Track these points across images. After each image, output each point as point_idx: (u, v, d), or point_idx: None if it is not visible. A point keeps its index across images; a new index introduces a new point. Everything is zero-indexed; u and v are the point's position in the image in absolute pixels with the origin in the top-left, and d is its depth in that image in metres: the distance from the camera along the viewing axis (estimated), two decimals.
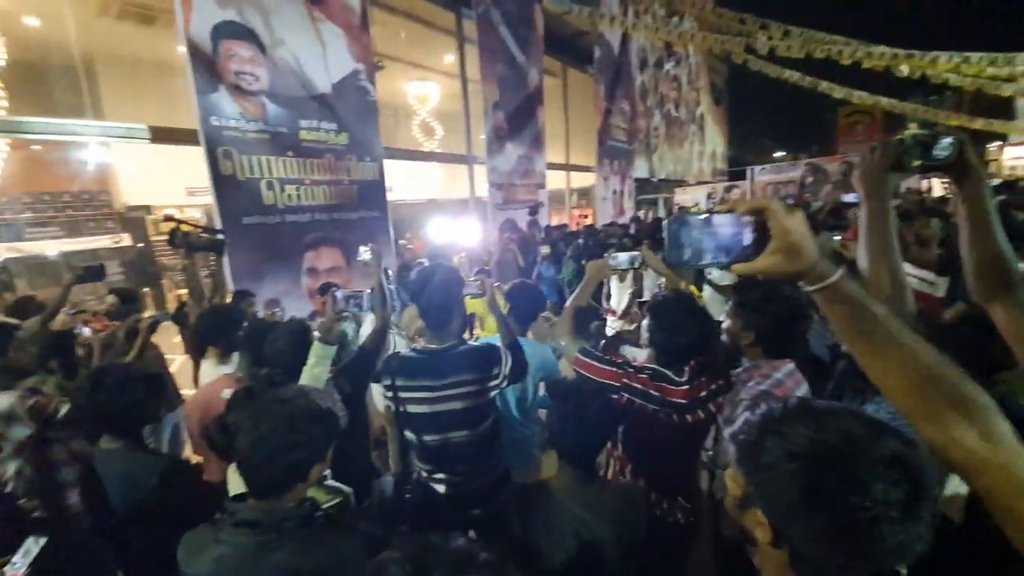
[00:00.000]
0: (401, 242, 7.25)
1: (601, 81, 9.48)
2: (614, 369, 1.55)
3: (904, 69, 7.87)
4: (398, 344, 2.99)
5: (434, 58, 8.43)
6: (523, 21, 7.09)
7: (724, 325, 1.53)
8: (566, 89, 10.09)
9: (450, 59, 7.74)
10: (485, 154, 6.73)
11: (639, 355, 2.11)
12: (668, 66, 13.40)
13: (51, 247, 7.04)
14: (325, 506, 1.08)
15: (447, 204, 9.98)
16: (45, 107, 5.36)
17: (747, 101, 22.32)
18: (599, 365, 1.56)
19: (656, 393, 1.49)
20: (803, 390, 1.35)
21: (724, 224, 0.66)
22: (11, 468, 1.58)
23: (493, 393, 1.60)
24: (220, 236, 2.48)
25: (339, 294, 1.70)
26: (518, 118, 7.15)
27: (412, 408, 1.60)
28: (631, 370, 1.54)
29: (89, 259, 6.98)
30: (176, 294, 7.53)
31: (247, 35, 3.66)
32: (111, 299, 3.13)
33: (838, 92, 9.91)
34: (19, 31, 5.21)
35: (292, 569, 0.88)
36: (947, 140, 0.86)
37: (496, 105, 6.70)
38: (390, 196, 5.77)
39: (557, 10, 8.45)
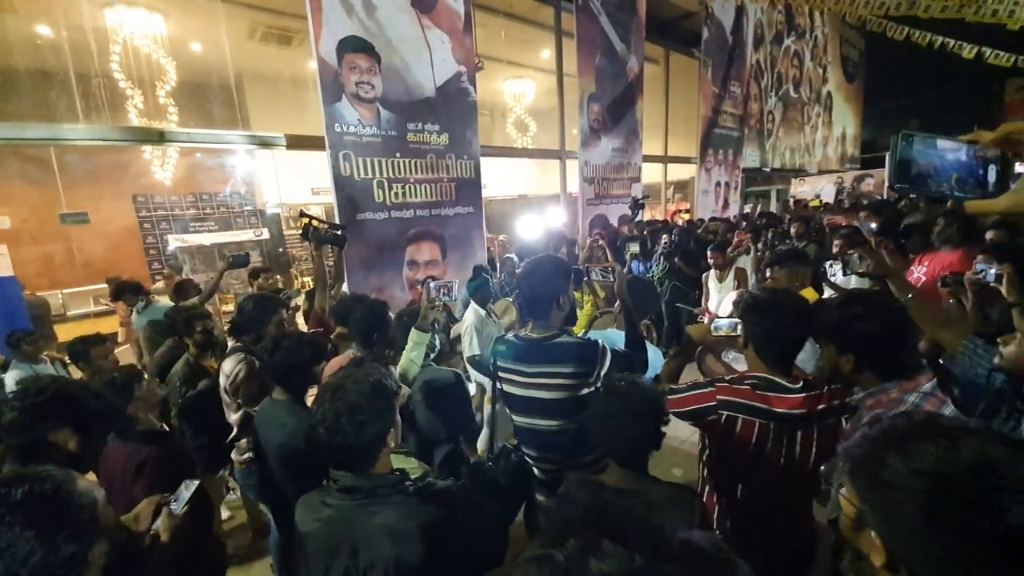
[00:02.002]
0: (501, 237, 7.46)
1: (708, 65, 8.79)
2: (703, 390, 1.40)
3: None
4: (493, 331, 3.12)
5: (531, 55, 8.49)
6: (624, 8, 6.83)
7: (820, 356, 1.35)
8: (668, 76, 9.54)
9: (546, 55, 7.74)
10: (578, 148, 6.64)
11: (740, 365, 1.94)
12: (788, 41, 11.98)
13: (208, 238, 8.44)
14: (414, 476, 1.16)
15: (539, 200, 10.04)
16: (205, 120, 6.39)
17: (889, 75, 19.06)
18: (685, 395, 1.42)
19: (763, 405, 1.31)
20: (951, 407, 1.13)
21: (961, 154, 0.59)
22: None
23: (585, 391, 1.54)
24: (342, 232, 2.78)
25: (432, 284, 1.84)
26: (615, 110, 6.93)
27: (508, 388, 1.67)
28: (726, 383, 1.38)
29: (236, 249, 8.25)
30: (302, 280, 8.60)
31: (366, 47, 4.00)
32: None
33: (1005, 60, 8.11)
34: (185, 55, 6.26)
35: (390, 529, 0.99)
36: None
37: (592, 97, 6.57)
38: (484, 192, 5.97)
39: None
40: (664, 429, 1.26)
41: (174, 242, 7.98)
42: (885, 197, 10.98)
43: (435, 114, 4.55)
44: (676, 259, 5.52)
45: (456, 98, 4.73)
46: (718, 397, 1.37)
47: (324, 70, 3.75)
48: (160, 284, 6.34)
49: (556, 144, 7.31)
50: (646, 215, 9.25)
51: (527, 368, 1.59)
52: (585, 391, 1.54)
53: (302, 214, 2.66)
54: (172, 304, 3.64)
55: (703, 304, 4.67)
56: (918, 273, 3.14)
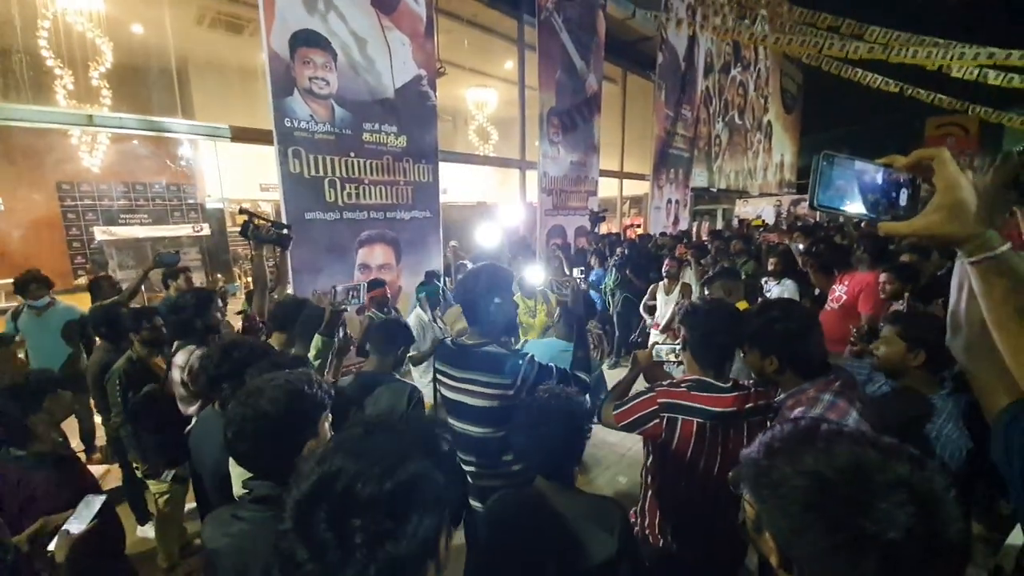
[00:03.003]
0: (452, 243, 7.40)
1: (663, 88, 9.23)
2: (645, 396, 1.48)
3: (991, 74, 7.11)
4: (434, 336, 3.14)
5: (494, 64, 8.58)
6: (585, 27, 7.05)
7: (745, 361, 1.45)
8: (625, 95, 9.92)
9: (509, 65, 7.84)
10: (538, 159, 6.75)
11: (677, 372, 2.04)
12: (735, 71, 12.83)
13: (140, 232, 7.83)
14: None
15: (497, 208, 10.09)
16: (142, 106, 5.97)
17: (822, 108, 20.85)
18: (629, 405, 1.50)
19: (699, 405, 1.42)
20: (854, 413, 1.24)
21: (877, 176, 0.61)
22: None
23: (504, 403, 1.53)
24: (286, 231, 2.66)
25: (339, 287, 1.80)
26: (573, 124, 7.11)
27: (442, 390, 1.68)
28: (665, 387, 1.49)
29: (172, 245, 7.71)
30: (245, 281, 8.14)
31: (322, 43, 3.89)
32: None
33: (925, 96, 9.09)
34: (124, 36, 5.83)
35: None
36: None
37: (552, 111, 6.71)
38: (443, 198, 5.92)
39: (621, 15, 8.35)
40: (612, 439, 1.29)
41: (101, 235, 7.34)
42: (817, 220, 11.93)
43: (393, 115, 4.48)
44: (627, 271, 5.72)
45: (416, 101, 4.68)
46: (659, 400, 1.46)
47: (275, 62, 3.61)
48: (83, 280, 5.81)
49: (517, 153, 7.40)
50: (603, 228, 9.53)
51: (456, 373, 1.60)
52: (507, 402, 1.54)
53: (242, 210, 2.53)
54: (90, 304, 3.36)
55: (648, 316, 4.85)
56: (839, 292, 3.42)
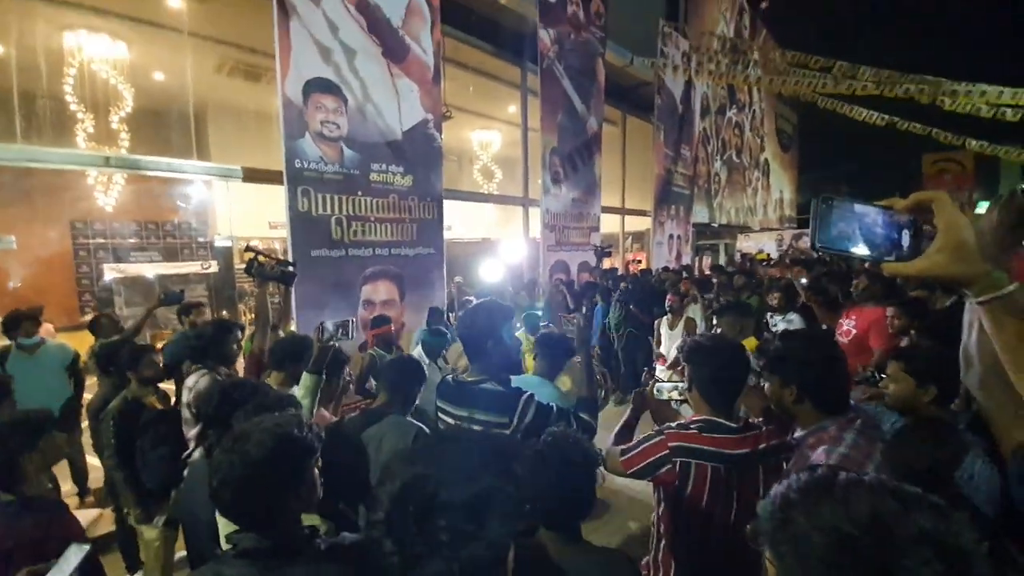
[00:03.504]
0: (457, 279, 7.45)
1: (661, 128, 9.53)
2: (654, 440, 1.42)
3: (984, 109, 7.30)
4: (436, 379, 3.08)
5: (498, 108, 8.92)
6: (585, 74, 7.37)
7: (766, 390, 1.39)
8: (625, 136, 10.24)
9: (513, 109, 8.15)
10: (541, 197, 6.89)
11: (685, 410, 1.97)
12: (731, 113, 13.28)
13: (149, 269, 7.94)
14: (324, 532, 1.06)
15: (501, 244, 10.22)
16: (159, 147, 6.19)
17: (819, 147, 21.37)
18: (637, 451, 1.43)
19: (712, 448, 1.35)
20: (877, 455, 1.19)
21: (878, 218, 0.62)
22: None
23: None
24: (291, 268, 2.69)
25: (329, 324, 1.77)
26: (574, 163, 7.30)
27: (442, 428, 1.63)
28: (674, 429, 1.42)
29: (179, 282, 7.81)
30: (249, 318, 8.18)
31: (334, 89, 4.08)
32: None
33: (921, 130, 9.30)
34: (145, 82, 6.14)
35: None
36: None
37: (554, 150, 6.91)
38: (447, 235, 6.01)
39: (619, 63, 8.75)
40: (621, 481, 1.21)
41: (109, 272, 7.44)
42: (819, 254, 11.92)
43: (400, 156, 4.62)
44: (631, 306, 5.70)
45: (422, 143, 4.84)
46: (670, 444, 1.39)
47: (288, 107, 3.77)
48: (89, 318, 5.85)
49: (520, 191, 7.56)
50: (606, 263, 9.61)
51: (454, 410, 1.56)
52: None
53: (248, 248, 2.58)
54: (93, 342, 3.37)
55: (656, 349, 4.79)
56: (847, 325, 3.38)
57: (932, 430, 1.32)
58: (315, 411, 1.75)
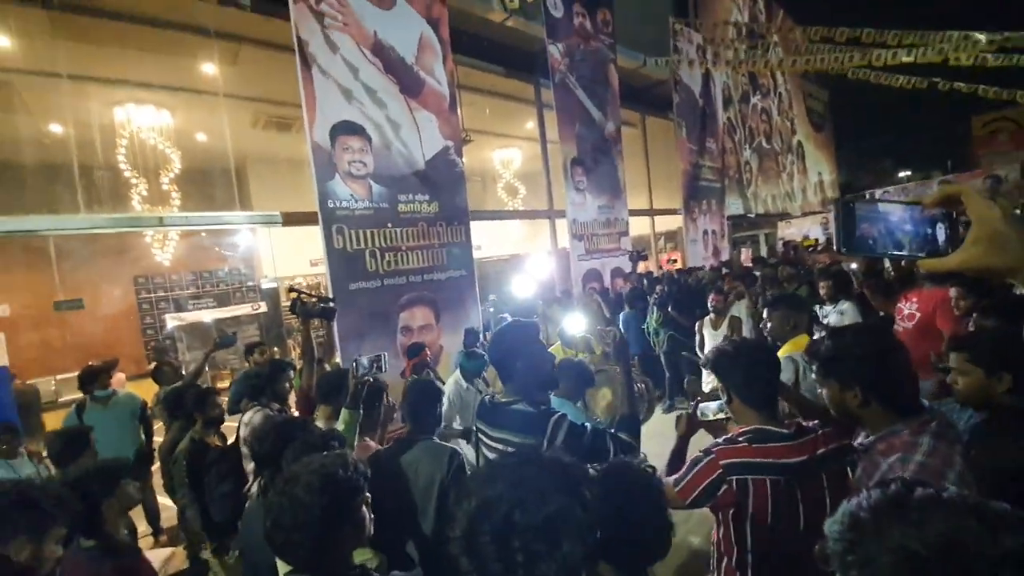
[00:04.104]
0: (491, 297, 7.51)
1: (683, 126, 9.36)
2: (704, 461, 1.32)
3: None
4: (473, 402, 3.08)
5: (516, 126, 9.06)
6: (598, 81, 7.38)
7: (824, 397, 1.27)
8: (646, 137, 10.12)
9: (530, 125, 8.25)
10: (566, 208, 6.88)
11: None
12: (755, 100, 12.86)
13: (206, 315, 8.48)
14: (373, 567, 1.07)
15: (530, 259, 10.26)
16: (206, 202, 6.67)
17: (856, 121, 20.24)
18: (690, 477, 1.33)
19: (765, 459, 1.25)
20: (958, 460, 1.08)
21: (907, 216, 0.61)
22: None
23: None
24: (332, 304, 2.80)
25: (364, 359, 1.81)
26: (597, 171, 7.27)
27: (482, 449, 1.62)
28: (723, 446, 1.32)
29: (232, 324, 8.30)
30: (297, 353, 8.57)
31: (358, 130, 4.28)
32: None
33: (965, 89, 8.66)
34: (189, 144, 6.66)
35: None
36: None
37: (575, 161, 6.91)
38: (477, 254, 6.09)
39: (632, 65, 8.71)
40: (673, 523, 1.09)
41: (171, 321, 8.00)
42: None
43: (425, 185, 4.76)
44: (669, 308, 5.55)
45: (444, 169, 4.98)
46: (721, 463, 1.29)
47: (318, 152, 3.98)
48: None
49: (545, 205, 7.59)
50: (641, 267, 9.43)
51: (490, 431, 1.56)
52: None
53: (291, 289, 2.70)
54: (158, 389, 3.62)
55: (700, 353, 4.62)
56: (909, 309, 3.15)
57: (1014, 423, 1.20)
58: (357, 443, 1.79)
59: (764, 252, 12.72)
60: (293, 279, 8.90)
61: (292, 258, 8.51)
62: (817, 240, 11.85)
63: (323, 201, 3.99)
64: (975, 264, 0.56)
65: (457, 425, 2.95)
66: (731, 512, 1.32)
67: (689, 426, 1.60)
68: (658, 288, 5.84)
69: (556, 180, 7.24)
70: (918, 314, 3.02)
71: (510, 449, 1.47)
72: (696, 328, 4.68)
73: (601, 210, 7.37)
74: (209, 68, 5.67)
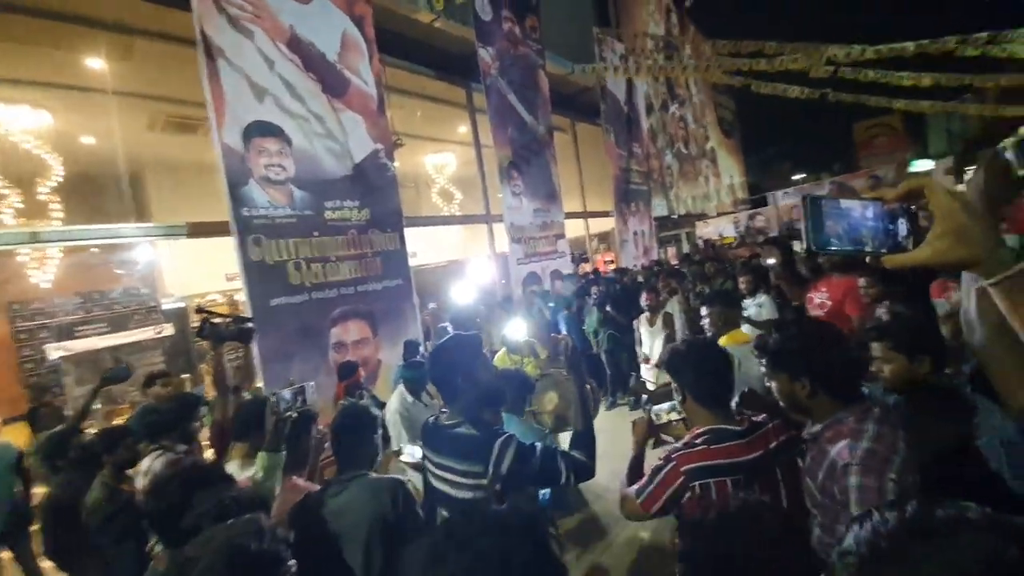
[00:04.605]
0: (431, 305, 7.28)
1: (610, 131, 9.74)
2: (666, 469, 1.30)
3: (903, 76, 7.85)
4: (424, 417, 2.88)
5: (448, 130, 8.91)
6: (529, 86, 7.45)
7: (774, 390, 1.31)
8: (577, 142, 10.41)
9: (463, 129, 8.15)
10: (503, 212, 6.86)
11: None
12: (673, 108, 13.74)
13: (99, 342, 7.41)
14: None
15: (469, 264, 10.14)
16: (95, 215, 5.84)
17: (759, 130, 22.44)
18: (653, 487, 1.31)
19: (724, 460, 1.26)
20: (902, 444, 1.12)
21: (868, 211, 0.60)
22: None
23: (477, 493, 1.29)
24: (249, 325, 2.51)
25: (285, 392, 1.58)
26: (531, 174, 7.32)
27: (429, 479, 1.47)
28: (682, 451, 1.31)
29: (133, 351, 7.33)
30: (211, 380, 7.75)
31: (275, 131, 3.93)
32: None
33: (849, 99, 9.83)
34: (73, 148, 5.81)
35: None
36: None
37: (510, 164, 6.91)
38: (413, 262, 5.86)
39: (560, 72, 8.91)
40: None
41: (55, 352, 6.90)
42: (776, 232, 12.43)
43: (354, 190, 4.49)
44: (607, 308, 5.68)
45: (375, 173, 4.73)
46: (683, 469, 1.28)
47: (229, 155, 3.60)
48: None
49: (481, 209, 7.51)
50: (584, 268, 9.65)
51: (435, 457, 1.43)
52: (480, 493, 1.30)
53: (198, 309, 2.38)
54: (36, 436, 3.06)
55: (638, 350, 4.76)
56: (820, 298, 3.43)
57: (936, 402, 1.29)
58: (282, 487, 1.54)
59: (687, 250, 13.57)
60: (206, 296, 8.06)
61: (204, 273, 7.71)
62: (733, 238, 12.91)
63: (236, 209, 3.60)
64: (941, 258, 0.55)
65: (407, 446, 2.73)
66: (694, 517, 1.30)
67: (646, 431, 1.57)
68: (594, 289, 5.96)
69: (492, 184, 7.19)
70: (829, 302, 3.29)
71: (454, 478, 1.35)
72: (635, 326, 4.82)
73: (537, 213, 7.43)
74: (96, 63, 4.97)
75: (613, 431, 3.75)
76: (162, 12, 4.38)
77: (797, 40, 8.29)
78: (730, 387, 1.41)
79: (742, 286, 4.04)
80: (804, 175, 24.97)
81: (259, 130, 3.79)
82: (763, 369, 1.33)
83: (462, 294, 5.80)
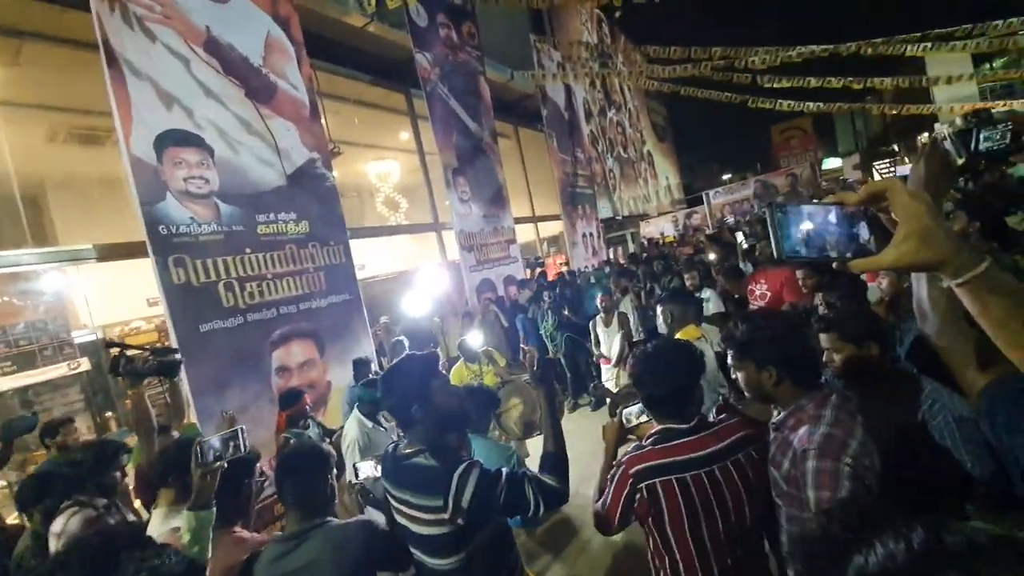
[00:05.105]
0: (383, 320, 6.99)
1: (552, 136, 9.89)
2: (617, 474, 1.30)
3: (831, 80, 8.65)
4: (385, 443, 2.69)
5: (390, 137, 8.66)
6: (470, 92, 7.40)
7: (739, 379, 1.32)
8: (521, 147, 10.48)
9: (406, 136, 7.95)
10: (452, 219, 6.74)
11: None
12: (611, 114, 14.24)
13: (4, 384, 6.49)
14: None
15: (420, 274, 9.88)
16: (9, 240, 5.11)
17: (690, 134, 23.93)
18: (610, 494, 1.30)
19: (668, 459, 1.25)
20: (858, 428, 1.15)
21: (830, 216, 0.59)
22: None
23: (440, 529, 1.19)
24: (174, 356, 2.22)
25: (215, 440, 1.34)
26: (478, 180, 7.26)
27: (394, 513, 1.34)
28: (632, 454, 1.31)
29: (45, 390, 6.48)
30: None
31: (194, 140, 3.59)
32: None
33: (767, 106, 10.66)
34: None
35: None
36: (1001, 126, 0.79)
37: (456, 171, 6.81)
38: (362, 274, 5.59)
39: (501, 79, 8.94)
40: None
41: None
42: (711, 228, 13.19)
43: (290, 202, 4.20)
44: (564, 311, 5.70)
45: (312, 184, 4.46)
46: (631, 472, 1.27)
47: (139, 168, 3.23)
48: None
49: (429, 217, 7.34)
50: (527, 272, 9.66)
51: (394, 491, 1.30)
52: (443, 529, 1.19)
53: (108, 344, 2.08)
54: None
55: (595, 350, 4.80)
56: (760, 289, 3.61)
57: (891, 384, 1.34)
58: (219, 541, 1.32)
59: (633, 250, 14.05)
60: (129, 325, 7.31)
61: (121, 300, 6.97)
62: (674, 237, 13.57)
63: (152, 228, 3.24)
64: (908, 261, 0.54)
65: (361, 463, 2.52)
66: (650, 520, 1.28)
67: (616, 435, 1.53)
68: (544, 295, 5.94)
69: (439, 191, 7.05)
70: (768, 293, 3.48)
71: (414, 512, 1.22)
72: (591, 327, 4.85)
73: (487, 219, 7.36)
74: None
75: (577, 432, 3.74)
76: (56, 12, 3.92)
77: (720, 45, 8.84)
78: (688, 385, 1.37)
79: (688, 282, 4.17)
80: (731, 175, 26.78)
81: (174, 139, 3.44)
82: (722, 360, 1.33)
83: (415, 305, 5.60)
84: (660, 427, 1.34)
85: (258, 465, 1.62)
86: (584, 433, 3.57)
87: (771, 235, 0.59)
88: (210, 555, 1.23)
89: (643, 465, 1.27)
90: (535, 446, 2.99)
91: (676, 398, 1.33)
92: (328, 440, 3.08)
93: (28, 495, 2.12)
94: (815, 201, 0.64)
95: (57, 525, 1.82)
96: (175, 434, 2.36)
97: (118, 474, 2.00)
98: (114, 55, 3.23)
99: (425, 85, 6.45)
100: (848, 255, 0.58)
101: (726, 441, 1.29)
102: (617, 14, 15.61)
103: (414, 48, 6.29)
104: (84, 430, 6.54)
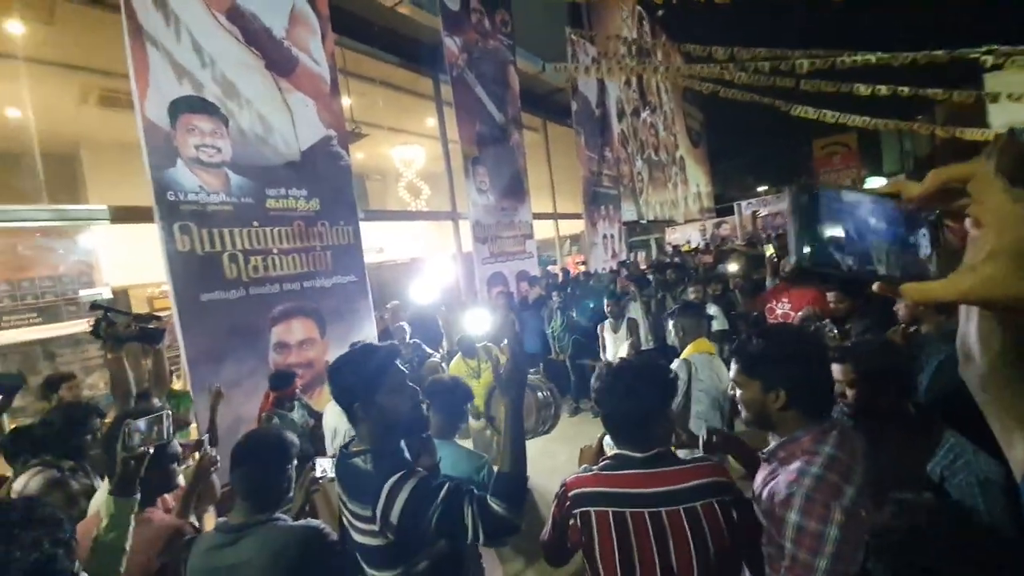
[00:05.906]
0: (392, 303, 6.97)
1: (581, 133, 9.66)
2: (558, 494, 1.18)
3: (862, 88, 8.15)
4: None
5: (416, 122, 8.60)
6: (498, 81, 7.25)
7: (738, 396, 1.16)
8: (548, 142, 10.29)
9: (432, 122, 7.88)
10: (468, 209, 6.63)
11: None
12: (644, 114, 13.86)
13: (28, 334, 6.73)
14: None
15: (432, 263, 9.86)
16: (13, 196, 5.26)
17: (725, 141, 23.15)
18: (549, 521, 1.19)
19: (610, 488, 1.10)
20: (858, 472, 1.00)
21: (881, 213, 0.38)
22: None
23: (373, 540, 1.09)
24: (155, 324, 2.18)
25: (140, 423, 1.25)
26: (498, 171, 7.13)
27: (344, 516, 1.23)
28: (576, 475, 1.18)
29: (67, 344, 6.71)
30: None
31: (209, 108, 3.57)
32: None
33: (810, 114, 10.12)
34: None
35: None
36: None
37: (476, 161, 6.69)
38: (380, 257, 5.53)
39: (532, 70, 8.76)
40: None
41: None
42: (740, 239, 12.73)
43: (301, 179, 4.16)
44: (572, 313, 5.55)
45: (326, 162, 4.41)
46: (570, 494, 1.13)
47: (152, 133, 3.22)
48: None
49: (448, 206, 7.26)
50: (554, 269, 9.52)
51: (339, 490, 1.20)
52: (376, 540, 1.09)
53: (93, 305, 2.05)
54: None
55: (602, 356, 4.64)
56: (782, 309, 3.38)
57: (905, 431, 1.17)
58: (134, 526, 1.22)
59: (655, 255, 13.71)
60: (145, 288, 7.49)
61: (145, 264, 7.14)
62: (698, 246, 13.20)
63: (160, 193, 3.23)
64: (995, 292, 0.34)
65: (319, 459, 2.45)
66: (583, 550, 1.12)
67: (593, 461, 1.38)
68: (554, 295, 5.78)
69: (459, 180, 6.95)
70: (792, 313, 3.24)
71: (351, 519, 1.12)
72: (599, 331, 4.69)
73: (504, 212, 7.24)
74: (16, 27, 4.45)
75: (575, 438, 3.60)
76: None
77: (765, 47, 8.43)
78: (649, 409, 1.21)
79: (692, 295, 3.98)
80: (766, 188, 25.82)
81: (189, 106, 3.42)
82: (728, 376, 1.18)
83: (422, 293, 5.53)
84: (616, 452, 1.21)
85: (206, 448, 1.55)
86: (581, 439, 3.43)
87: (791, 230, 0.39)
88: (125, 549, 1.14)
89: (583, 489, 1.13)
90: (534, 448, 2.88)
91: (633, 424, 1.18)
92: (314, 421, 3.04)
93: (8, 450, 2.14)
94: (861, 189, 0.41)
95: (19, 483, 1.82)
96: (156, 401, 2.33)
97: (89, 437, 1.97)
98: (134, 13, 3.21)
99: (452, 70, 6.34)
100: (898, 274, 0.38)
101: (686, 484, 1.11)
102: (660, 12, 15.25)
103: (443, 31, 6.18)
104: (102, 386, 6.74)
